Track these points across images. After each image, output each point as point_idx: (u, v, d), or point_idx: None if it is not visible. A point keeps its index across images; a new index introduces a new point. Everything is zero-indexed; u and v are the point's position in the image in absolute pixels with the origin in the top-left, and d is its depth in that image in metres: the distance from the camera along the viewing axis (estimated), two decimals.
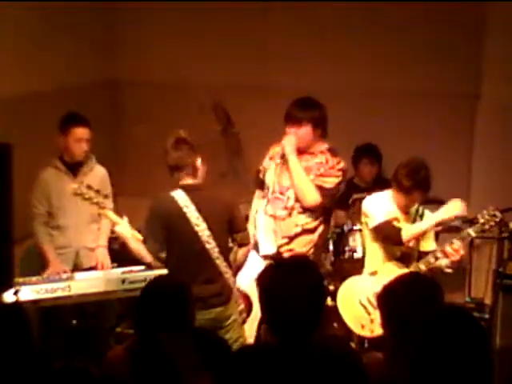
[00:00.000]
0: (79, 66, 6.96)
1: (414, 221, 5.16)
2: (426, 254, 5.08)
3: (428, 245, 5.19)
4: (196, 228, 4.57)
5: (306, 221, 5.13)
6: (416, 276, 3.83)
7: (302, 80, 7.04)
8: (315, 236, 5.17)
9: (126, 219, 4.73)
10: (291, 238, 5.15)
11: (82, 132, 5.41)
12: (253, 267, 4.96)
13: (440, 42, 6.98)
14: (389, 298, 3.29)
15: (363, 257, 5.58)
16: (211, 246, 4.61)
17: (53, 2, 6.39)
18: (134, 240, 4.65)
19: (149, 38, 7.57)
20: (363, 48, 7.12)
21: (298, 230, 5.13)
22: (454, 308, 2.98)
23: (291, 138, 5.12)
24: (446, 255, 4.97)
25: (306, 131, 5.11)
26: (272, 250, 5.17)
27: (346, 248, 6.13)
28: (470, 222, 6.31)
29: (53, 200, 5.45)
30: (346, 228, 6.17)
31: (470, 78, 6.97)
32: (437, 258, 5.00)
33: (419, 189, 5.01)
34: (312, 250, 5.15)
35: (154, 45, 7.58)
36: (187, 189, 4.63)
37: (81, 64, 6.98)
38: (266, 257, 5.13)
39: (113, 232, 5.81)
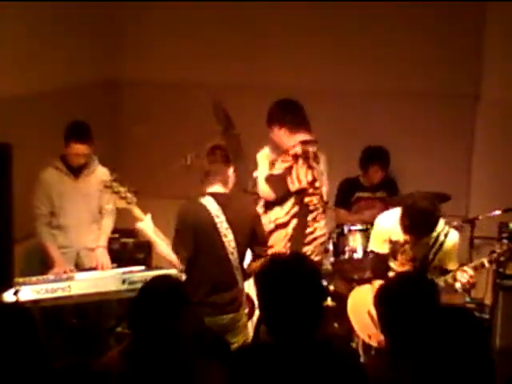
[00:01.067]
0: (79, 66, 6.94)
1: (436, 239, 4.96)
2: (447, 271, 4.95)
3: (450, 263, 5.03)
4: (223, 238, 4.63)
5: (276, 216, 5.23)
6: (413, 275, 3.83)
7: (302, 80, 7.04)
8: (289, 230, 5.24)
9: (149, 216, 4.74)
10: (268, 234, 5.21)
11: (80, 149, 5.43)
12: None
13: (440, 42, 6.97)
14: (386, 297, 3.29)
15: (364, 257, 5.56)
16: (234, 257, 4.67)
17: (53, 2, 6.38)
18: (156, 238, 4.69)
19: (149, 38, 7.56)
20: (363, 48, 7.11)
21: (272, 226, 5.23)
22: (456, 308, 2.98)
23: (262, 152, 5.36)
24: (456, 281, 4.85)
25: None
26: None
27: (346, 248, 6.11)
28: (470, 221, 6.33)
29: (54, 200, 5.45)
30: (345, 228, 6.15)
31: (470, 78, 6.97)
32: (447, 283, 4.86)
33: (411, 233, 4.86)
34: (288, 245, 5.22)
35: (154, 45, 7.56)
36: (217, 197, 4.67)
37: (81, 64, 6.97)
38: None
39: (113, 232, 5.84)
